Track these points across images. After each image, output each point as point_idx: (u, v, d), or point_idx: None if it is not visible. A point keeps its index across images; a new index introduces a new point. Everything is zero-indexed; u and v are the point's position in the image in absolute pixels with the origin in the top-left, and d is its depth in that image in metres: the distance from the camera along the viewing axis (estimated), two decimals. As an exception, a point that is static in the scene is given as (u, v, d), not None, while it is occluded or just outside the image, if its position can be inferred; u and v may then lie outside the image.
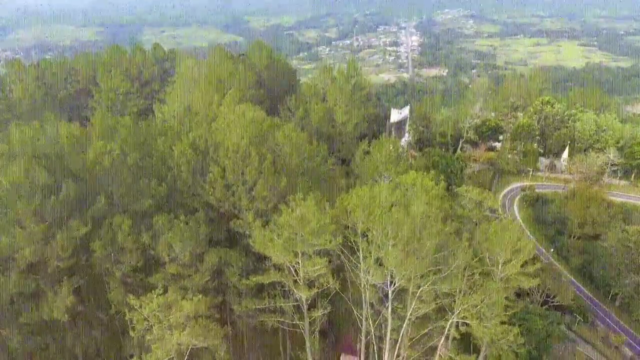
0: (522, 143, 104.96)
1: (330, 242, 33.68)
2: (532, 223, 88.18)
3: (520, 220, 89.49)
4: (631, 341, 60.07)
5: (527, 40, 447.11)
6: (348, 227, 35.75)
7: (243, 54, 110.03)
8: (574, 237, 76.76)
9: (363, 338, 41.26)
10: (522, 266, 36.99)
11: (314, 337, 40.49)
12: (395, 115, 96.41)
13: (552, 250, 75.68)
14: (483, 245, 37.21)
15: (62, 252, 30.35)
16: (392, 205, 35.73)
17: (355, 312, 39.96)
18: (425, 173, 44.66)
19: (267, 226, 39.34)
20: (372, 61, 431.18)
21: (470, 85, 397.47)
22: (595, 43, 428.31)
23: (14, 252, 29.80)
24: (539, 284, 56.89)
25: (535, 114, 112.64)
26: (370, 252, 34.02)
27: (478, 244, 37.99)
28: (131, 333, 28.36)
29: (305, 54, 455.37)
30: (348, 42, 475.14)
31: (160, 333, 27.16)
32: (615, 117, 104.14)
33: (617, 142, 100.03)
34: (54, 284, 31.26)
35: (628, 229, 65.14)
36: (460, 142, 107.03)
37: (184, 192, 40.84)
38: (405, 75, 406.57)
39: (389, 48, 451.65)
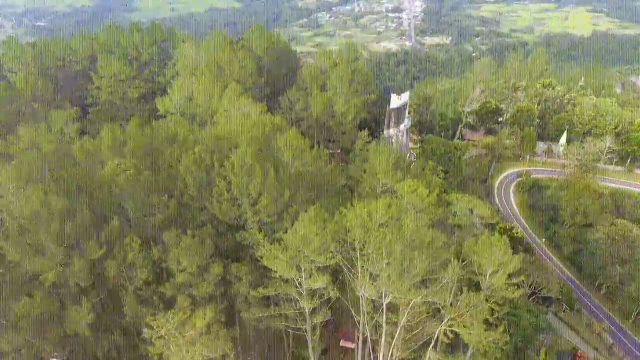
0: (521, 127, 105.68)
1: (330, 259, 36.28)
2: (527, 209, 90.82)
3: (516, 207, 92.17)
4: (613, 328, 64.00)
5: (534, 6, 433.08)
6: (347, 242, 38.18)
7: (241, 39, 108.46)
8: (566, 226, 79.44)
9: (360, 336, 44.76)
10: (508, 277, 39.61)
11: (316, 337, 43.85)
12: (395, 101, 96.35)
13: (544, 240, 78.67)
14: (471, 258, 39.75)
15: (81, 273, 32.93)
16: (387, 221, 38.03)
17: (353, 312, 43.20)
18: (419, 180, 46.59)
19: (271, 238, 42.06)
20: (374, 28, 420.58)
21: (473, 55, 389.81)
22: (604, 9, 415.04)
23: (37, 275, 32.39)
24: (527, 276, 60.40)
25: (536, 96, 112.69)
26: (366, 269, 36.63)
27: (466, 256, 40.60)
28: (150, 350, 31.39)
29: (305, 20, 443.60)
30: (349, 7, 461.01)
31: (176, 349, 30.15)
32: (614, 101, 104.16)
33: (616, 128, 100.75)
34: (74, 301, 34.06)
35: (616, 222, 67.66)
36: (460, 127, 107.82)
37: (191, 205, 42.99)
38: (407, 43, 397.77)
39: (391, 14, 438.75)
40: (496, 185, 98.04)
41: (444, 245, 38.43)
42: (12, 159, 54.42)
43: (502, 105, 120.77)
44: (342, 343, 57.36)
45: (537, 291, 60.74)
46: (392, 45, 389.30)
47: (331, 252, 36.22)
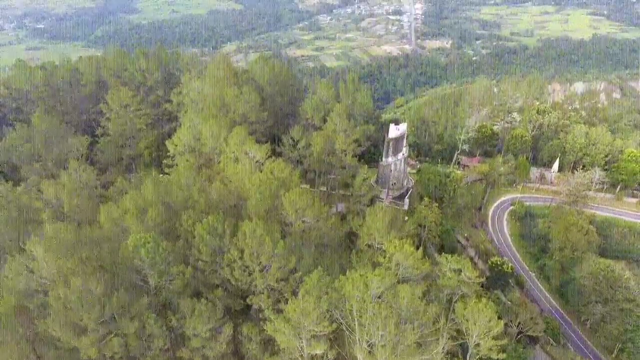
0: (515, 154, 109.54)
1: (328, 328, 40.73)
2: (519, 239, 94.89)
3: (509, 236, 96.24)
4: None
5: (535, 9, 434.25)
6: (347, 309, 42.52)
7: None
8: (555, 258, 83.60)
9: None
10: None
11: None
12: (394, 132, 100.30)
13: (533, 274, 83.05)
14: (461, 321, 44.14)
15: (118, 348, 37.36)
16: (382, 292, 42.41)
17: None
18: (407, 239, 50.62)
19: (277, 298, 46.55)
20: (374, 31, 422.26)
21: (474, 59, 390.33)
22: (604, 12, 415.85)
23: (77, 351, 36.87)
24: (515, 317, 64.74)
25: (530, 122, 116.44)
26: (363, 337, 40.96)
27: (456, 317, 44.99)
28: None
29: (306, 23, 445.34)
30: (350, 10, 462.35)
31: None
32: (605, 129, 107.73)
33: (606, 156, 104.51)
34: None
35: (600, 262, 71.79)
36: (456, 154, 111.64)
37: (205, 270, 47.33)
38: (407, 47, 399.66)
39: (391, 17, 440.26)
40: (490, 212, 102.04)
41: (436, 316, 42.66)
42: (37, 214, 58.66)
43: (497, 127, 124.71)
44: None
45: (523, 331, 65.00)
46: (393, 49, 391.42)
47: (328, 320, 40.57)
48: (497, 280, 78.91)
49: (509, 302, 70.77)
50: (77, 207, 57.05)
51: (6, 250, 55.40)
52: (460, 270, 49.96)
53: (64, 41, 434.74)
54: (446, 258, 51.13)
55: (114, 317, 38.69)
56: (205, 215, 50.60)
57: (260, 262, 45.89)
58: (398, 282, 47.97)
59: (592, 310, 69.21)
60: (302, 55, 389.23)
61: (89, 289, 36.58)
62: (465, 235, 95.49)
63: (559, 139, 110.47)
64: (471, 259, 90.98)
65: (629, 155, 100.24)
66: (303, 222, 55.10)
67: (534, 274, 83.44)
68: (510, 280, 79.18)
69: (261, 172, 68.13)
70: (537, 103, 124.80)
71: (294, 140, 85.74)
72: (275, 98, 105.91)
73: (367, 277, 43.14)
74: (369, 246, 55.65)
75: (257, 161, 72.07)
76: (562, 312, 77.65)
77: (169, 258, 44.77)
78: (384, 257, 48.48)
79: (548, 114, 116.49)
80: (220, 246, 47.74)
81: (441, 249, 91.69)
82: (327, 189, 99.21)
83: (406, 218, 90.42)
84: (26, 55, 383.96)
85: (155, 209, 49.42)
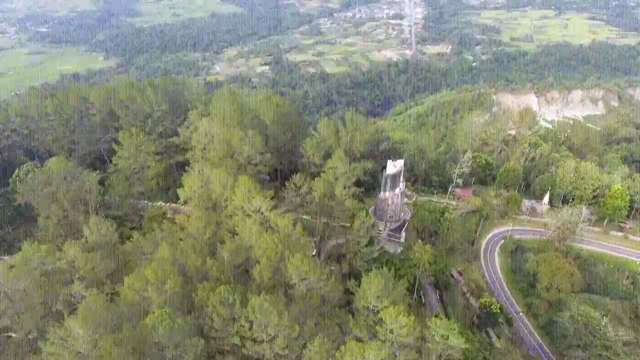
0: (507, 187, 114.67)
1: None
2: (509, 273, 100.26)
3: (500, 270, 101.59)
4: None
5: (535, 13, 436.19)
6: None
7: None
8: (542, 297, 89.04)
9: None
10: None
11: None
12: (391, 168, 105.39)
13: (521, 313, 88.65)
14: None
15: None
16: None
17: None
18: (400, 307, 55.80)
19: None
20: (375, 36, 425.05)
21: (474, 65, 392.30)
22: (604, 17, 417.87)
23: None
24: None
25: (522, 155, 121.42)
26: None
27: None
28: None
29: (307, 27, 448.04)
30: (350, 14, 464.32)
31: None
32: (594, 165, 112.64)
33: (594, 191, 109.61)
34: None
35: (581, 308, 77.18)
36: (451, 186, 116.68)
37: (217, 338, 52.88)
38: (408, 52, 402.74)
39: (392, 21, 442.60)
40: (483, 246, 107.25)
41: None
42: (63, 274, 63.97)
43: (492, 158, 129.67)
44: None
45: (508, 375, 70.74)
46: (393, 54, 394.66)
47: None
48: (487, 319, 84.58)
49: (498, 346, 76.26)
50: (97, 267, 62.54)
51: (35, 311, 60.99)
52: (448, 337, 55.21)
53: (66, 45, 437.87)
54: (435, 323, 56.33)
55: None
56: (218, 282, 56.10)
57: (268, 333, 51.37)
58: (391, 344, 53.57)
59: (573, 354, 74.69)
60: (303, 61, 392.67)
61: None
62: (459, 269, 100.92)
63: (550, 172, 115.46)
64: (464, 294, 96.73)
65: (615, 192, 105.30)
66: (305, 282, 60.45)
67: (522, 312, 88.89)
68: (499, 319, 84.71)
69: (266, 222, 73.74)
70: (530, 133, 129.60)
71: (296, 186, 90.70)
72: (279, 135, 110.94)
73: (364, 349, 48.60)
74: (366, 307, 60.93)
75: (262, 213, 77.28)
76: (548, 351, 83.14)
77: (184, 332, 50.19)
78: (380, 326, 53.78)
79: (539, 146, 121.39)
80: (232, 314, 53.18)
81: (436, 285, 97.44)
82: (327, 221, 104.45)
83: (400, 250, 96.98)
84: (28, 60, 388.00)
85: (173, 279, 54.81)
